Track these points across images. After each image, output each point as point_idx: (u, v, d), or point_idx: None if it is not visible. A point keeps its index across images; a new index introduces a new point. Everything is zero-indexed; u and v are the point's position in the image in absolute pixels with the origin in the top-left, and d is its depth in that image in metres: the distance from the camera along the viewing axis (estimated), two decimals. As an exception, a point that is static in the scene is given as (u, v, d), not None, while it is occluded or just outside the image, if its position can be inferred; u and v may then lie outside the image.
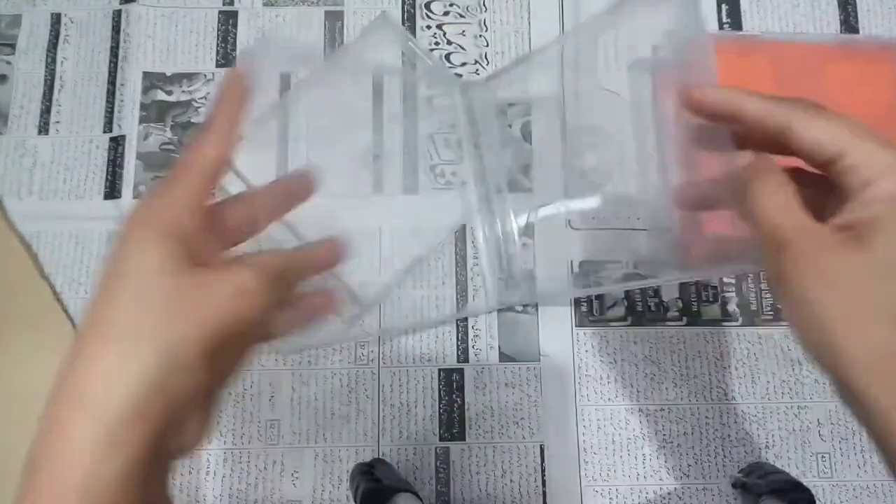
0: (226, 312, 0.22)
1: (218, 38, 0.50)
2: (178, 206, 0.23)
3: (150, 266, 0.21)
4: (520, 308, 0.47)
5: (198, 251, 0.22)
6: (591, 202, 0.47)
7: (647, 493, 0.44)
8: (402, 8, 0.51)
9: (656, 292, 0.47)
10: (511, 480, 0.45)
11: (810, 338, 0.22)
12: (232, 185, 0.29)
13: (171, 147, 0.48)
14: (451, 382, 0.46)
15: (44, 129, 0.49)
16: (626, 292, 0.47)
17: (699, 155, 0.30)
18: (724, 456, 0.45)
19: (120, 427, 0.19)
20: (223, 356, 0.22)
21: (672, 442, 0.45)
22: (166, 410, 0.20)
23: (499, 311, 0.47)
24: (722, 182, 0.26)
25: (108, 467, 0.19)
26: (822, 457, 0.45)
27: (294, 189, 0.29)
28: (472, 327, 0.46)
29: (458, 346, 0.46)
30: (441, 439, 0.45)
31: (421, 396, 0.45)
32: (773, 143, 0.25)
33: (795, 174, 0.24)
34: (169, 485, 0.22)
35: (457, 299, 0.46)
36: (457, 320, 0.46)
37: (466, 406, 0.45)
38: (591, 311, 0.47)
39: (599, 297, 0.47)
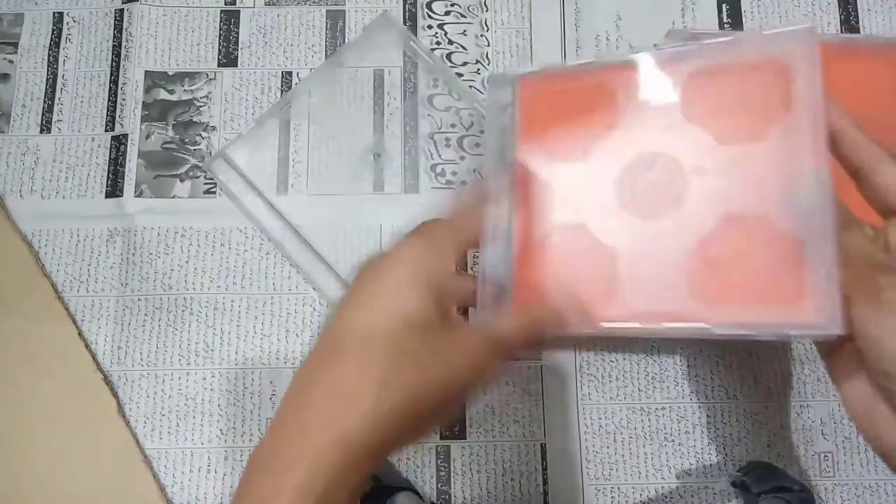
0: (460, 381, 0.25)
1: (220, 37, 0.50)
2: (446, 261, 0.26)
3: (407, 315, 0.24)
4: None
5: (444, 304, 0.25)
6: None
7: (648, 491, 0.44)
8: (404, 7, 0.51)
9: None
10: (512, 479, 0.44)
11: None
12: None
13: (172, 146, 0.48)
14: (452, 381, 0.46)
15: (46, 127, 0.49)
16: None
17: None
18: (727, 455, 0.45)
19: (353, 461, 0.23)
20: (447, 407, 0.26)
21: (674, 441, 0.45)
22: (384, 453, 0.24)
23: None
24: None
25: (343, 485, 0.23)
26: (825, 456, 0.45)
27: None
28: (473, 325, 0.46)
29: (459, 344, 0.46)
30: (442, 438, 0.45)
31: (422, 395, 0.45)
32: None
33: None
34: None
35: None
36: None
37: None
38: (592, 309, 0.47)
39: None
